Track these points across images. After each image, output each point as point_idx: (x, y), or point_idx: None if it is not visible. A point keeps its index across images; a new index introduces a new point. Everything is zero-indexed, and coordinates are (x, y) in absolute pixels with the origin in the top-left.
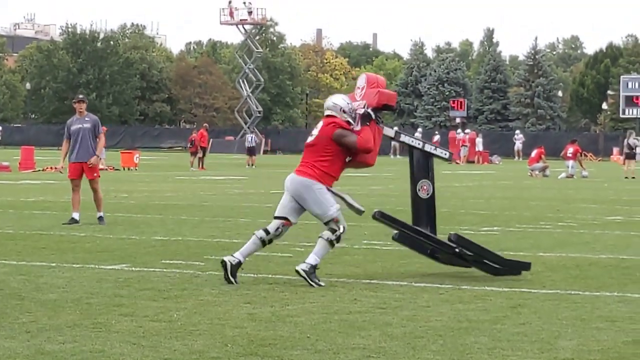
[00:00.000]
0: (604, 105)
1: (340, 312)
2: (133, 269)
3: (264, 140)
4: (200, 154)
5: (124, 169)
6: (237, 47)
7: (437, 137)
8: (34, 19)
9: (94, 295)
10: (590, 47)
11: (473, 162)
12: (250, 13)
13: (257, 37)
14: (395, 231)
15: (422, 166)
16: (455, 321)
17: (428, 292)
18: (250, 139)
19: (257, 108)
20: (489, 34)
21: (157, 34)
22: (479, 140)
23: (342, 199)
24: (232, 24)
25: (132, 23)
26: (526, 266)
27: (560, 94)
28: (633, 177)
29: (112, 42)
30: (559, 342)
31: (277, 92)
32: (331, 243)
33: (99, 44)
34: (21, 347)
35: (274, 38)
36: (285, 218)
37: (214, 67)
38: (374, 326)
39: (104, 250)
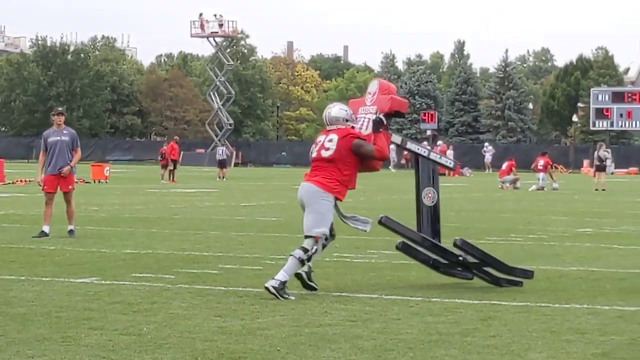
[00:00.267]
0: (575, 118)
1: (310, 324)
2: (103, 282)
3: (235, 152)
4: (170, 167)
5: (94, 181)
6: (207, 59)
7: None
8: (4, 32)
9: (64, 309)
10: (561, 60)
11: (444, 174)
12: (221, 26)
13: (228, 50)
14: (399, 240)
15: (427, 174)
16: (426, 334)
17: (398, 305)
18: (221, 151)
19: (228, 121)
20: (460, 46)
21: (128, 46)
22: (450, 153)
23: (347, 222)
24: (203, 37)
25: (103, 35)
26: (529, 274)
27: (530, 106)
28: (603, 189)
29: (82, 55)
30: (529, 354)
31: (248, 105)
32: (301, 262)
33: (69, 57)
34: None
35: (245, 51)
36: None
37: (184, 80)
38: (344, 339)
39: (73, 264)
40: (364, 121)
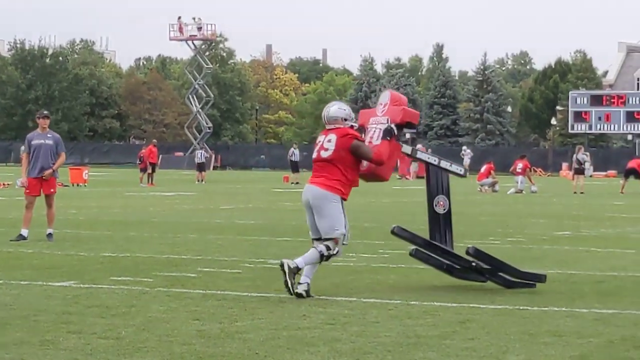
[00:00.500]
0: (553, 121)
1: (289, 328)
2: (81, 285)
3: (213, 156)
4: (149, 170)
5: (73, 185)
6: (186, 62)
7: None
8: None
9: (42, 313)
10: (539, 63)
11: (423, 177)
12: (199, 29)
13: (207, 53)
14: (412, 247)
15: (438, 182)
16: (404, 337)
17: (377, 308)
18: (200, 154)
19: (206, 124)
20: (439, 49)
21: (107, 49)
22: None
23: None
24: (181, 40)
25: (81, 39)
26: (542, 278)
27: (509, 109)
28: (582, 192)
29: (61, 58)
30: (507, 357)
31: (227, 108)
32: (322, 257)
33: (47, 60)
34: None
35: (224, 54)
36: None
37: (163, 83)
38: (323, 342)
39: (52, 267)
40: (375, 131)
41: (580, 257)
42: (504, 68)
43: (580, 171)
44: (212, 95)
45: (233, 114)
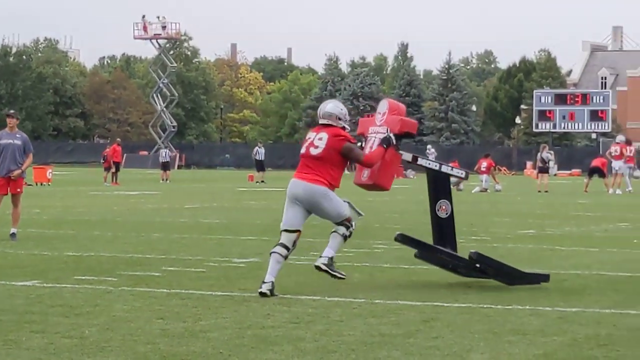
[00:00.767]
0: (518, 120)
1: (253, 327)
2: (45, 285)
3: (178, 155)
4: (113, 169)
5: (36, 184)
6: (151, 61)
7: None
8: None
9: (5, 312)
10: (504, 62)
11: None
12: (164, 27)
13: (171, 52)
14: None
15: (440, 186)
16: (368, 335)
17: (341, 307)
18: (165, 153)
19: (171, 123)
20: (403, 48)
21: (71, 48)
22: None
23: (348, 203)
24: (145, 39)
25: (45, 37)
26: (545, 277)
27: (474, 108)
28: (546, 191)
29: (24, 57)
30: (471, 355)
31: (192, 107)
32: (344, 237)
33: (11, 59)
34: None
35: (188, 52)
36: (298, 230)
37: (127, 82)
38: (287, 341)
39: (15, 266)
40: (374, 140)
41: (544, 255)
42: (468, 67)
43: (544, 170)
44: (176, 94)
45: (198, 113)
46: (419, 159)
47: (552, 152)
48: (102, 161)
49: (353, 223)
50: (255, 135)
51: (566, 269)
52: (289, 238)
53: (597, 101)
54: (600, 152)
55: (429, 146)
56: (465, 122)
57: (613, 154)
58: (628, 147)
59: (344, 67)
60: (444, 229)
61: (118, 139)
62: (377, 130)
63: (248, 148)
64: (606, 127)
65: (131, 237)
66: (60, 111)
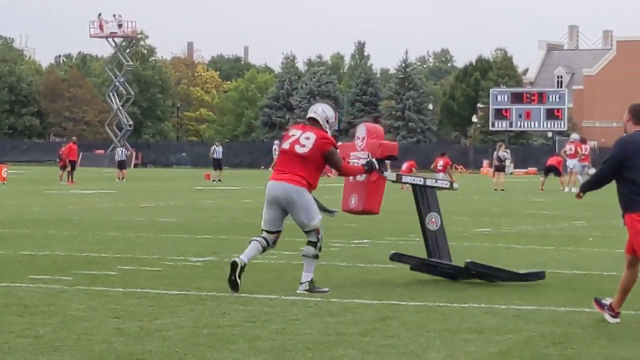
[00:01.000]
0: (474, 118)
1: (209, 326)
2: None
3: (134, 153)
4: (69, 168)
5: None
6: (107, 60)
7: None
8: None
9: None
10: (460, 61)
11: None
12: (120, 26)
13: (128, 50)
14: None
15: (427, 200)
16: (325, 334)
17: (297, 306)
18: (121, 152)
19: (127, 121)
20: (360, 47)
21: (26, 46)
22: None
23: (319, 204)
24: (102, 37)
25: (0, 35)
26: (541, 275)
27: (430, 107)
28: (502, 190)
29: None
30: (427, 353)
31: (148, 106)
32: (316, 256)
33: None
34: None
35: (145, 51)
36: (278, 231)
37: (83, 81)
38: (243, 340)
39: None
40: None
41: (500, 254)
42: (425, 66)
43: (500, 168)
44: (132, 93)
45: (154, 112)
46: (402, 177)
47: (508, 150)
48: (57, 160)
49: (320, 236)
50: (212, 134)
51: (522, 268)
52: (270, 237)
53: (553, 100)
54: (556, 150)
55: None
56: (422, 120)
57: (568, 153)
58: (583, 146)
59: (301, 66)
60: (436, 241)
61: (74, 138)
62: (358, 156)
63: (204, 147)
64: (562, 126)
65: (87, 236)
66: (15, 110)
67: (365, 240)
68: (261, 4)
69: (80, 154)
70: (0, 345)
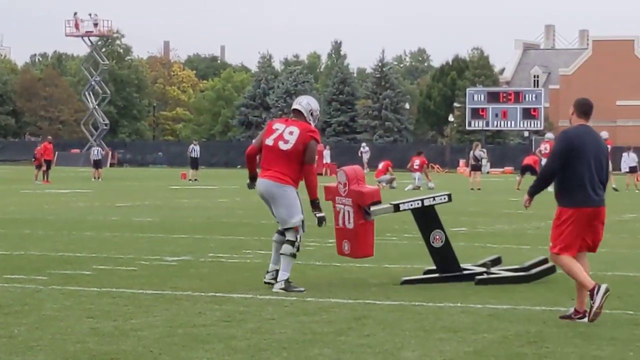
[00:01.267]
0: (451, 118)
1: (184, 325)
2: None
3: (110, 153)
4: (44, 167)
5: None
6: (83, 59)
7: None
8: None
9: None
10: (437, 60)
11: (321, 174)
12: (96, 25)
13: (104, 49)
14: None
15: (428, 219)
16: (300, 333)
17: (273, 305)
18: (97, 151)
19: (103, 121)
20: (337, 46)
21: (2, 46)
22: (327, 153)
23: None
24: (77, 36)
25: None
26: (552, 270)
27: (407, 106)
28: (479, 189)
29: None
30: (402, 353)
31: (124, 105)
32: (293, 255)
33: None
34: None
35: (121, 50)
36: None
37: (59, 80)
38: (218, 339)
39: None
40: (343, 212)
41: (476, 253)
42: (401, 65)
43: (477, 168)
44: (108, 92)
45: (130, 111)
46: (400, 205)
47: (484, 150)
48: (33, 159)
49: (299, 236)
50: (189, 133)
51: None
52: (290, 234)
53: (530, 99)
54: (533, 149)
55: (363, 144)
56: (398, 120)
57: (543, 152)
58: None
59: (278, 65)
60: (444, 256)
61: (49, 137)
62: (343, 201)
63: (181, 146)
64: (538, 125)
65: (62, 235)
66: None
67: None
68: (237, 3)
69: (56, 153)
70: None
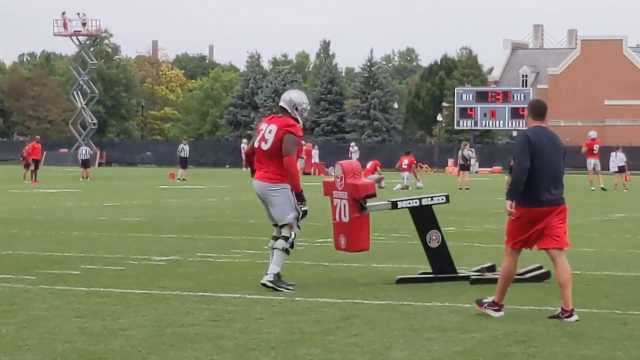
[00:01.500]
0: (439, 117)
1: (172, 325)
2: None
3: (98, 152)
4: (32, 167)
5: None
6: (71, 58)
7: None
8: None
9: None
10: (425, 60)
11: (309, 174)
12: (84, 24)
13: (92, 49)
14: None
15: (425, 219)
16: (288, 333)
17: (261, 305)
18: (85, 151)
19: (91, 120)
20: (325, 46)
21: None
22: (315, 152)
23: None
24: (66, 36)
25: None
26: (547, 275)
27: (396, 105)
28: (467, 189)
29: None
30: (391, 352)
31: (113, 104)
32: (286, 251)
33: None
34: None
35: (109, 49)
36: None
37: (47, 79)
38: (207, 339)
39: None
40: (340, 206)
41: (464, 252)
42: (390, 64)
43: (465, 167)
44: (97, 92)
45: (118, 111)
46: (398, 203)
47: (473, 149)
48: (21, 159)
49: (293, 232)
50: (177, 132)
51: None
52: (285, 231)
53: (518, 99)
54: None
55: (352, 144)
56: (387, 119)
57: None
58: None
59: (266, 65)
60: (440, 257)
61: (37, 137)
62: (340, 195)
63: (169, 146)
64: (527, 125)
65: (50, 235)
66: None
67: (329, 239)
68: (226, 3)
69: (44, 152)
70: None
